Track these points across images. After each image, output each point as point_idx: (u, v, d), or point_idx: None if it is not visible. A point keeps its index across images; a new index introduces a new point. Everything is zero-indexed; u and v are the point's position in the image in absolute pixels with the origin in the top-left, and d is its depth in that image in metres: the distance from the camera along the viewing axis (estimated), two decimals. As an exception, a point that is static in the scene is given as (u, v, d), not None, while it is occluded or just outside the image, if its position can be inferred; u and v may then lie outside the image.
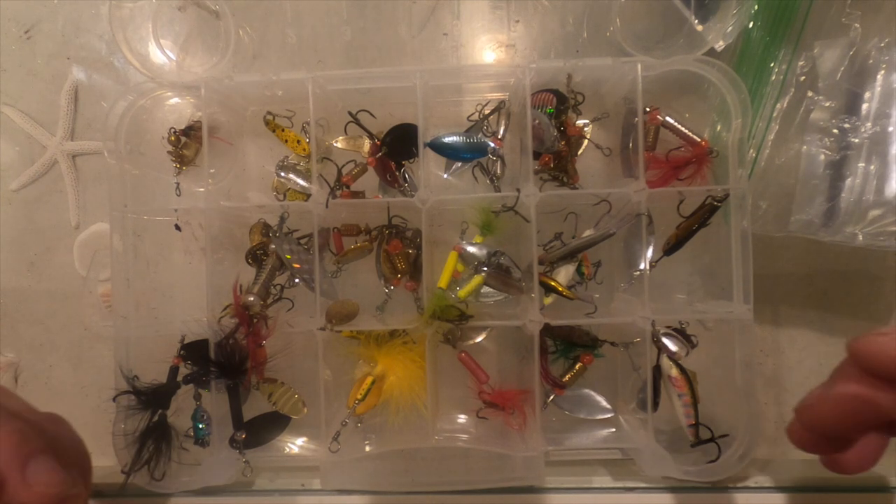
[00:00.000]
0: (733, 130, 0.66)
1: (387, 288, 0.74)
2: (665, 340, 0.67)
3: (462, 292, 0.68)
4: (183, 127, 0.73)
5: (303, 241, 0.71)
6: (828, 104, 0.63)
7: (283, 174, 0.73)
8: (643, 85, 0.64)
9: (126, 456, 0.65)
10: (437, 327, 0.66)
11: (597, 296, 0.69)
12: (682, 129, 0.70)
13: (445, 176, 0.76)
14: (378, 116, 0.72)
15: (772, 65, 0.66)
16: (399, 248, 0.71)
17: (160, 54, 0.73)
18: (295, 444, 0.73)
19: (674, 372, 0.66)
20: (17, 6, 0.79)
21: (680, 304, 0.73)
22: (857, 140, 0.63)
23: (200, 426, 0.68)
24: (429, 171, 0.73)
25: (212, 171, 0.73)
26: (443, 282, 0.68)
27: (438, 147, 0.70)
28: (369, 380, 0.68)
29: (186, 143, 0.72)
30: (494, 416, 0.70)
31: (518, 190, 0.65)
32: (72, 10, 0.78)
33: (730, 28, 0.66)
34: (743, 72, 0.67)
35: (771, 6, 0.66)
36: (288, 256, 0.68)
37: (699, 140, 0.69)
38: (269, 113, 0.74)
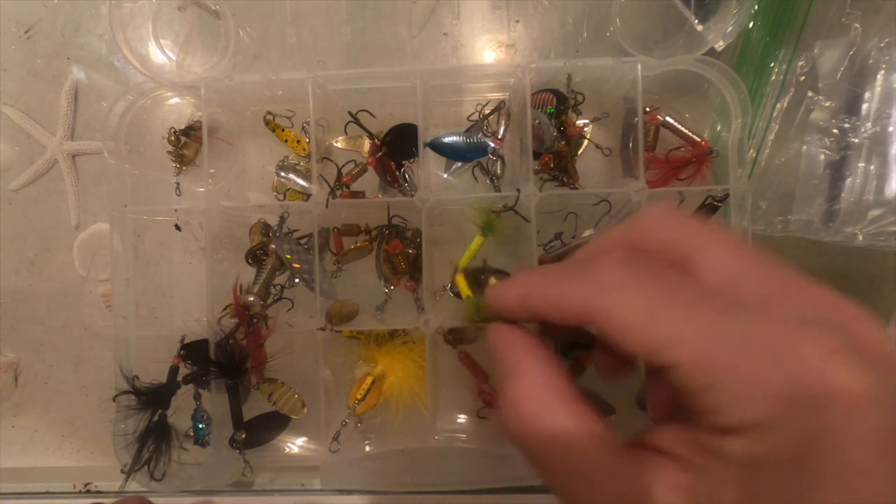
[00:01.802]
0: (733, 130, 0.66)
1: (387, 288, 0.74)
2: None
3: (462, 261, 0.65)
4: (183, 127, 0.73)
5: (303, 241, 0.71)
6: (828, 104, 0.64)
7: (283, 174, 0.73)
8: (643, 85, 0.64)
9: (126, 456, 0.65)
10: (476, 328, 0.65)
11: (597, 296, 0.69)
12: (682, 129, 0.70)
13: (445, 176, 0.76)
14: (378, 116, 0.72)
15: (772, 65, 0.66)
16: (399, 248, 0.71)
17: (160, 54, 0.73)
18: (295, 444, 0.73)
19: (674, 372, 0.66)
20: (17, 6, 0.79)
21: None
22: (857, 140, 0.63)
23: (200, 426, 0.68)
24: (429, 171, 0.73)
25: (212, 171, 0.73)
26: (463, 262, 0.65)
27: (438, 147, 0.70)
28: (369, 380, 0.68)
29: (186, 143, 0.72)
30: (494, 415, 0.70)
31: (518, 190, 0.65)
32: (72, 10, 0.78)
33: (730, 28, 0.65)
34: (743, 72, 0.67)
35: (771, 6, 0.66)
36: (288, 256, 0.68)
37: (699, 140, 0.69)
38: (269, 113, 0.74)
